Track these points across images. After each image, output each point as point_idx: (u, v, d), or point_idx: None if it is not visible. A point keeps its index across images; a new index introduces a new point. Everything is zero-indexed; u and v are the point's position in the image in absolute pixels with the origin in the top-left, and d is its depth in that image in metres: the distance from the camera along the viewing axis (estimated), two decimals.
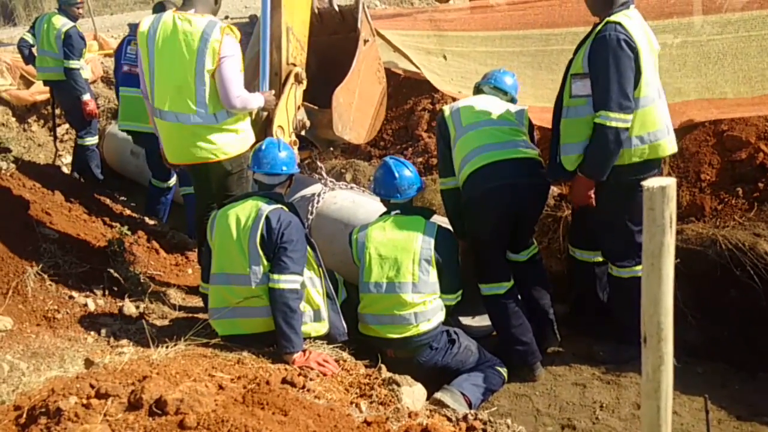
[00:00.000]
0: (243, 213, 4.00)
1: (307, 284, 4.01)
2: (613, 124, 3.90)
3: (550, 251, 5.24)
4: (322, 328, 4.08)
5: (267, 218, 3.89)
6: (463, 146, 4.48)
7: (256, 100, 4.64)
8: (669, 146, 4.11)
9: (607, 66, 3.89)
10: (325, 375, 3.62)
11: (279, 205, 4.02)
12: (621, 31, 3.89)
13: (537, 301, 4.63)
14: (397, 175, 4.36)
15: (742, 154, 4.94)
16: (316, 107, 5.30)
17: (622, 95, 3.88)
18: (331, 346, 4.07)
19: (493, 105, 4.65)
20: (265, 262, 3.88)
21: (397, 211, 4.35)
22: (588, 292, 4.75)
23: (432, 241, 4.18)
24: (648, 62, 3.99)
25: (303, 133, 5.23)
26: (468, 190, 4.43)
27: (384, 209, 4.55)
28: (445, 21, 6.72)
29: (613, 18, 3.95)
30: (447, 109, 4.68)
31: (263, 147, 4.22)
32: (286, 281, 3.80)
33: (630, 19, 3.98)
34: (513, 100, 4.83)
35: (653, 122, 4.03)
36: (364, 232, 4.33)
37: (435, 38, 6.70)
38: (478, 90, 4.94)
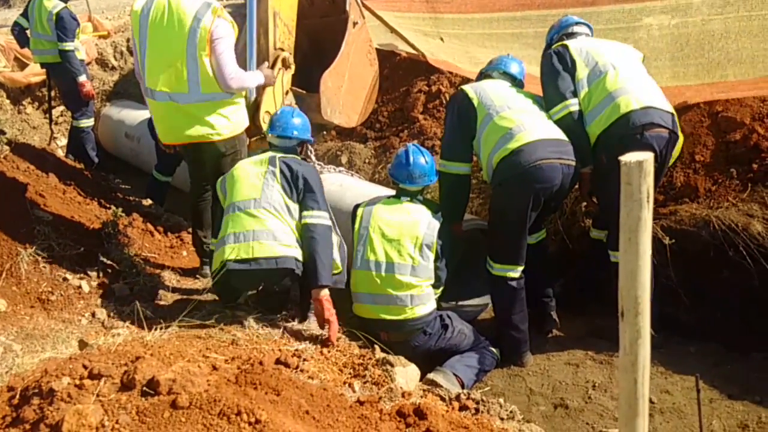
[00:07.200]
0: (258, 158, 4.24)
1: None
2: (570, 109, 4.35)
3: (545, 233, 5.25)
4: (335, 268, 4.19)
5: (284, 161, 4.12)
6: (500, 123, 4.31)
7: (254, 79, 4.64)
8: (626, 103, 4.19)
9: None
10: (328, 338, 3.75)
11: (294, 156, 4.29)
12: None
13: (539, 285, 4.68)
14: (411, 160, 4.36)
15: (736, 135, 4.94)
16: (304, 92, 5.28)
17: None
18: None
19: (516, 89, 4.58)
20: (283, 193, 4.04)
21: (407, 199, 4.35)
22: (592, 266, 4.89)
23: (436, 229, 4.21)
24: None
25: None
26: (509, 167, 4.24)
27: (381, 193, 4.55)
28: (442, 3, 6.67)
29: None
30: (470, 89, 4.49)
31: (279, 112, 4.48)
32: (321, 217, 4.05)
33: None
34: (521, 86, 4.74)
35: (601, 92, 4.29)
36: (371, 209, 4.33)
37: (431, 21, 6.64)
38: (485, 75, 4.77)
